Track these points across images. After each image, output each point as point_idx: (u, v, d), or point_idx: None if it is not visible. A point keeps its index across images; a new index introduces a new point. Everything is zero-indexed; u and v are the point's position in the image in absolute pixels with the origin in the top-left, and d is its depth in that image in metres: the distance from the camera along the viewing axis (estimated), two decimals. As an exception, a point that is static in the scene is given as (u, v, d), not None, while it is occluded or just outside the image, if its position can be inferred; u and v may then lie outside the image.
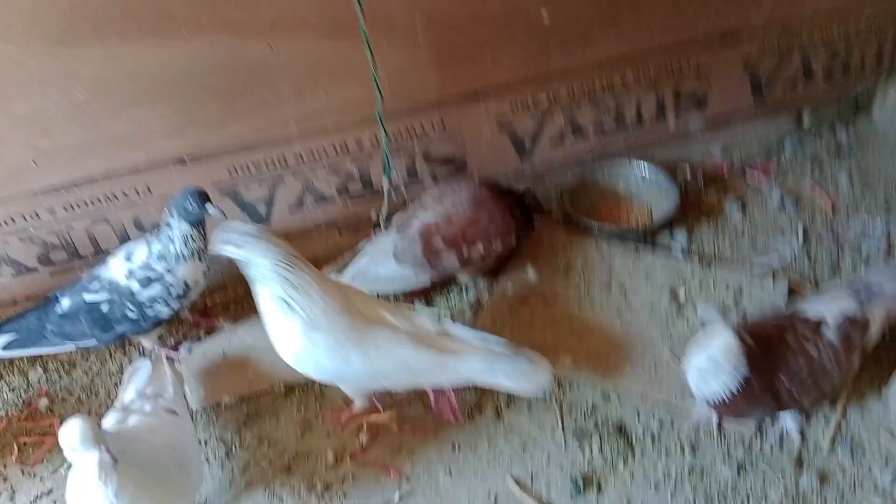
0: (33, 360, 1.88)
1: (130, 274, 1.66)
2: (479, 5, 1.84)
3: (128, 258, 1.68)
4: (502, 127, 2.08)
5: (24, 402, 1.79)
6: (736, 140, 2.33)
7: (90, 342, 1.71)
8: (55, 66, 1.61)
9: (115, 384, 1.80)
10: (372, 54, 1.72)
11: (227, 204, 1.93)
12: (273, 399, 1.74)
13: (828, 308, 1.52)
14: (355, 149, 1.96)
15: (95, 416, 1.73)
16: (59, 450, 1.62)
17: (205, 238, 1.65)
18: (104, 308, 1.67)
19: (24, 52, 1.58)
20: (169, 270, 1.66)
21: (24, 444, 1.70)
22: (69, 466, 1.59)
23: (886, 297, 1.55)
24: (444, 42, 1.86)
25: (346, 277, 1.82)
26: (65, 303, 1.69)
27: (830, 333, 1.47)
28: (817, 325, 1.48)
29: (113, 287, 1.67)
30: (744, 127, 2.32)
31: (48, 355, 1.88)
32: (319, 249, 2.10)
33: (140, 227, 1.91)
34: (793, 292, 1.83)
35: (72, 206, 1.82)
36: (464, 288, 1.93)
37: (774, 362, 1.44)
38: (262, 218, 2.00)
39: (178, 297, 1.69)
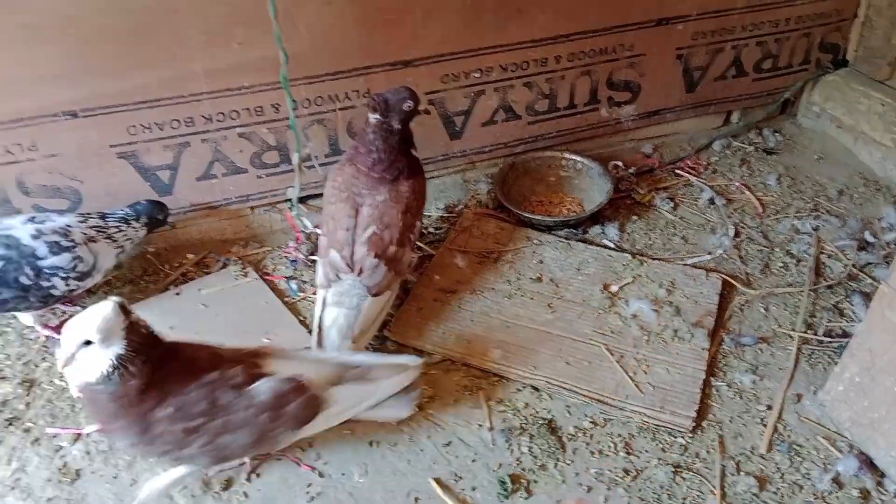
0: None
1: (39, 234, 1.49)
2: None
3: (35, 220, 1.52)
4: (432, 103, 1.95)
5: None
6: (667, 136, 2.32)
7: None
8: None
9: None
10: (273, 4, 1.55)
11: (126, 169, 1.73)
12: (168, 388, 1.56)
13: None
14: (272, 114, 1.79)
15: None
16: None
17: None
18: None
19: None
20: (90, 240, 1.53)
21: None
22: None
23: None
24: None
25: (335, 337, 1.53)
26: None
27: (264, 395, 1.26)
28: (249, 381, 1.26)
29: (13, 244, 1.48)
30: (675, 123, 2.30)
31: None
32: (228, 229, 1.93)
33: (24, 190, 1.68)
34: (727, 288, 1.80)
35: (-62, 159, 1.57)
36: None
37: (172, 386, 1.21)
38: (165, 187, 1.79)
39: (80, 276, 1.53)
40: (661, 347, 1.64)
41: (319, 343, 1.52)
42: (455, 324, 1.69)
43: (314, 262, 1.86)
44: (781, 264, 1.88)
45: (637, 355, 1.62)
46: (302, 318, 1.72)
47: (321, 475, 1.42)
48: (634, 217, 2.03)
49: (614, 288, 1.79)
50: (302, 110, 1.79)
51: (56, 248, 1.49)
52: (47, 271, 1.49)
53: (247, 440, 1.27)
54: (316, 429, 1.34)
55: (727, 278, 1.82)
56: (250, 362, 1.30)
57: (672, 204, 2.07)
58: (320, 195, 1.97)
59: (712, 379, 1.60)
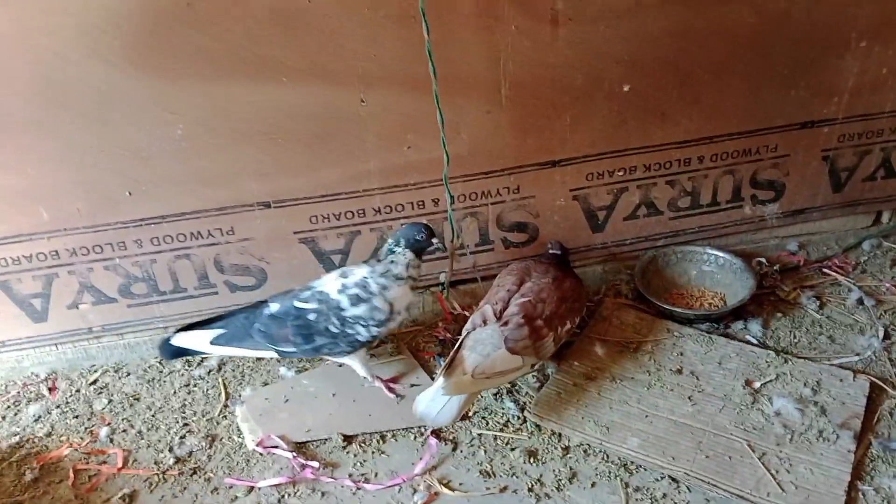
0: (100, 389, 1.93)
1: (343, 289, 1.73)
2: (563, 75, 1.87)
3: (343, 275, 1.76)
4: (576, 198, 2.08)
5: (86, 429, 1.81)
6: (813, 234, 2.31)
7: (290, 349, 1.75)
8: (159, 101, 1.68)
9: (176, 420, 1.81)
10: (441, 115, 1.78)
11: (305, 253, 1.96)
12: (329, 451, 1.72)
13: None
14: (431, 207, 1.98)
15: (153, 450, 1.74)
16: (114, 480, 1.66)
17: (419, 270, 1.79)
18: (311, 317, 1.72)
19: (132, 84, 1.65)
20: (384, 289, 1.73)
21: (81, 471, 1.70)
22: (122, 497, 1.60)
23: None
24: (525, 107, 1.89)
25: (461, 377, 1.66)
26: (273, 307, 1.76)
27: None
28: None
29: (323, 299, 1.73)
30: (821, 222, 2.30)
31: (114, 387, 1.92)
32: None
33: (220, 268, 1.94)
34: (875, 391, 1.77)
35: (158, 240, 1.86)
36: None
37: None
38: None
39: (379, 323, 1.73)
40: (805, 447, 1.63)
41: (447, 375, 1.66)
42: (594, 410, 1.76)
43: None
44: (937, 371, 1.83)
45: (780, 453, 1.62)
46: (450, 395, 1.85)
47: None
48: (779, 314, 2.04)
49: (757, 384, 1.80)
50: (458, 204, 1.98)
51: (356, 300, 1.72)
52: (350, 321, 1.72)
53: None
54: None
55: (876, 381, 1.79)
56: None
57: (818, 303, 2.06)
58: (469, 281, 2.13)
59: (858, 483, 1.57)
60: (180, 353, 1.82)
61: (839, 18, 1.92)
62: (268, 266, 1.96)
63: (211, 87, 1.69)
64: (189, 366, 1.97)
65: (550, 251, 2.00)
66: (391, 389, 1.86)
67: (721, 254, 2.16)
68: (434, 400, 1.66)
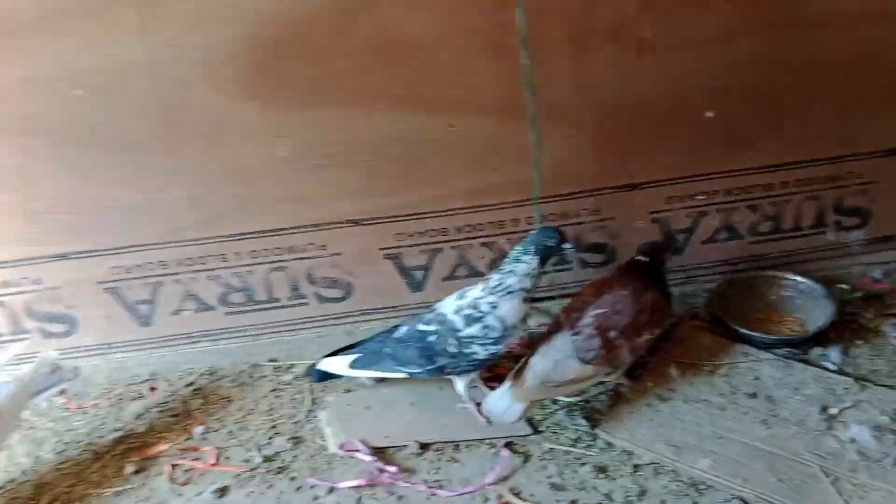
0: (196, 391, 2.06)
1: (459, 309, 1.80)
2: (646, 101, 1.91)
3: (460, 296, 1.82)
4: (656, 221, 2.11)
5: (182, 427, 1.95)
6: (899, 263, 2.27)
7: (416, 370, 1.83)
8: (266, 126, 1.83)
9: (265, 422, 1.93)
10: (536, 136, 1.86)
11: (389, 268, 2.07)
12: (406, 457, 1.80)
13: None
14: (510, 227, 2.06)
15: (243, 449, 1.86)
16: (207, 476, 1.78)
17: (537, 280, 1.79)
18: (431, 338, 1.80)
19: (242, 110, 1.80)
20: (493, 307, 1.75)
21: (176, 466, 1.83)
22: (214, 492, 1.73)
23: None
24: (608, 132, 1.95)
25: (530, 382, 1.74)
26: (402, 330, 1.85)
27: None
28: None
29: (442, 320, 1.81)
30: (909, 250, 2.26)
31: (208, 389, 2.06)
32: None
33: (311, 280, 2.07)
34: (961, 425, 1.73)
35: (257, 253, 2.00)
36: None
37: None
38: (418, 284, 2.12)
39: (494, 341, 1.77)
40: (881, 475, 1.61)
41: (515, 381, 1.74)
42: (665, 429, 1.78)
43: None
44: None
45: (854, 480, 1.61)
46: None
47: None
48: (859, 341, 2.00)
49: (833, 410, 1.78)
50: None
51: (469, 321, 1.78)
52: (466, 340, 1.78)
53: None
54: None
55: (962, 414, 1.75)
56: None
57: (902, 331, 2.03)
58: (546, 298, 2.19)
59: (937, 514, 1.54)
60: (325, 376, 1.92)
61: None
62: (355, 280, 2.08)
63: (314, 113, 1.82)
64: (277, 372, 2.09)
65: (635, 257, 1.93)
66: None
67: (801, 279, 2.14)
68: (501, 400, 1.74)
